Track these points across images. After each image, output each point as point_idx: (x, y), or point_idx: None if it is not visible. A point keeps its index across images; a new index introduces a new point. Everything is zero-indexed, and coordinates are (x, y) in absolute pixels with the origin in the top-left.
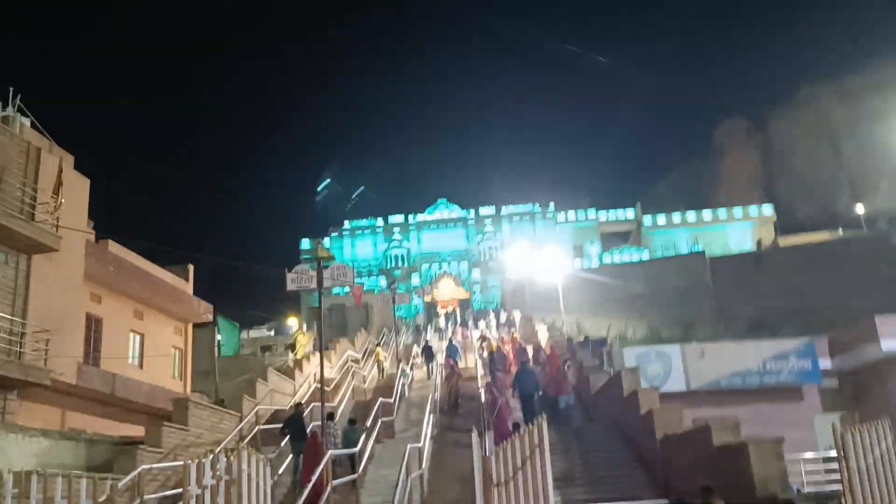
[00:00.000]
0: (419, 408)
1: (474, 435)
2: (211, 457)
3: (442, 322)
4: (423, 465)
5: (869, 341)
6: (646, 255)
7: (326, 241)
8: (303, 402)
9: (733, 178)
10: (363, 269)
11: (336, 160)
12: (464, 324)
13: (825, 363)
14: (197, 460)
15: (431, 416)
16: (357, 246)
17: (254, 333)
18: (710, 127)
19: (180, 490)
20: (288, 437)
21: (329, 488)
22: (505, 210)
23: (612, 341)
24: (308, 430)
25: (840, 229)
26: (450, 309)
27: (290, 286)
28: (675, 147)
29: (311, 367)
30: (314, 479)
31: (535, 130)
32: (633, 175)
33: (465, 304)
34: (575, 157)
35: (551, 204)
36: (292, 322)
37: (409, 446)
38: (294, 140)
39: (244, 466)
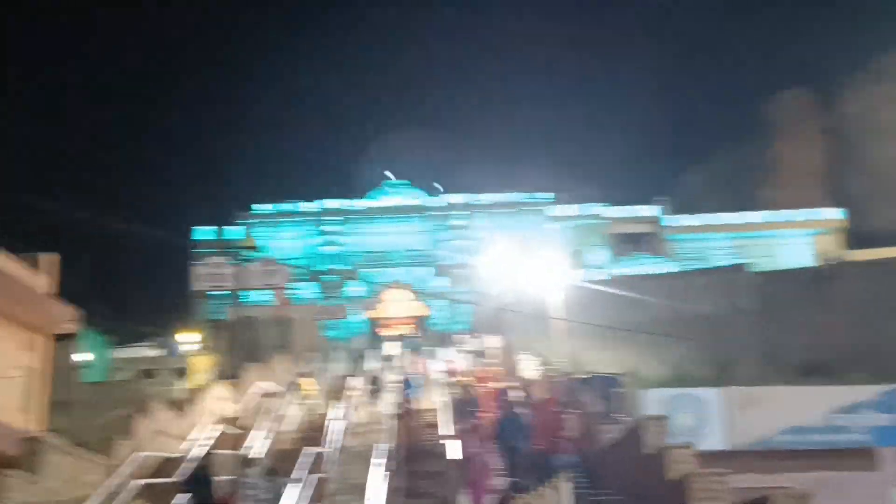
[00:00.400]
0: (360, 462)
1: None
2: None
3: (390, 348)
4: None
5: None
6: (668, 267)
7: (231, 231)
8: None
9: (789, 171)
10: None
11: (251, 128)
12: (419, 351)
13: None
14: None
15: (387, 474)
16: (276, 238)
17: (130, 353)
18: (760, 103)
19: None
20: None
21: None
22: (481, 199)
23: (626, 380)
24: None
25: None
26: (399, 332)
27: (198, 284)
28: (711, 129)
29: (212, 401)
30: None
31: (528, 100)
32: (656, 164)
33: (422, 325)
34: (579, 139)
35: (547, 194)
36: (185, 338)
37: None
38: (195, 100)
39: None
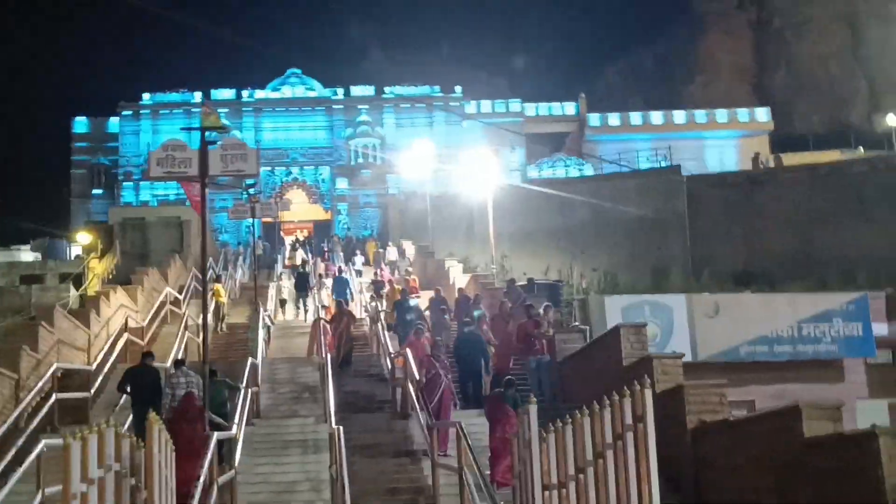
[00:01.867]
0: (290, 374)
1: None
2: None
3: (296, 254)
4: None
5: None
6: (589, 170)
7: (115, 123)
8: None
9: (715, 68)
10: None
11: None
12: (327, 257)
13: (880, 329)
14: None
15: (330, 380)
16: (162, 132)
17: (5, 257)
18: None
19: None
20: (130, 395)
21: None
22: (388, 92)
23: (573, 287)
24: (178, 389)
25: (861, 148)
26: (300, 235)
27: (155, 171)
28: (630, 20)
29: (113, 310)
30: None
31: None
32: (575, 60)
33: (322, 230)
34: (490, 30)
35: (457, 88)
36: (75, 240)
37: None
38: None
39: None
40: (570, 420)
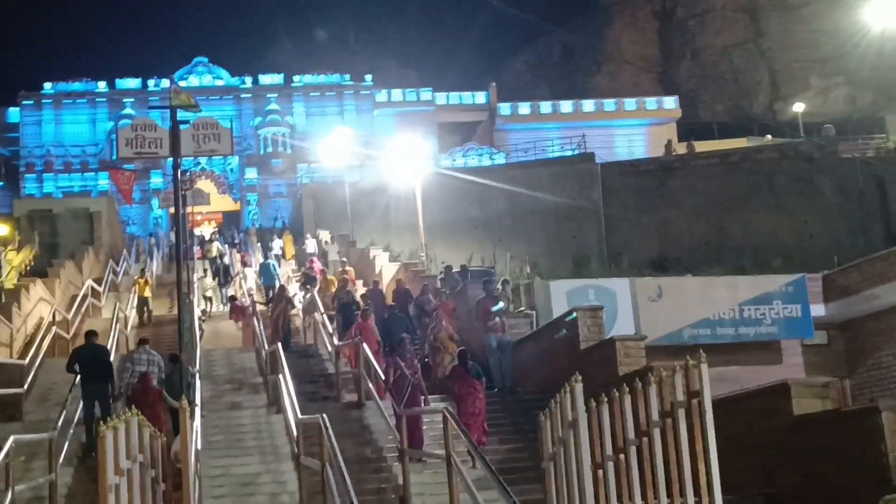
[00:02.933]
0: (226, 363)
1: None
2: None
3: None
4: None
5: (885, 282)
6: (501, 160)
7: (15, 112)
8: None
9: (621, 58)
10: (75, 157)
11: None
12: (240, 248)
13: (817, 310)
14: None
15: (285, 362)
16: (65, 122)
17: None
18: None
19: None
20: (79, 375)
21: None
22: (298, 80)
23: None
24: (138, 366)
25: (769, 136)
26: (209, 227)
27: (125, 151)
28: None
29: (33, 303)
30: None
31: None
32: (483, 50)
33: (231, 221)
34: (399, 20)
35: (368, 77)
36: None
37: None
38: None
39: None
40: (605, 398)
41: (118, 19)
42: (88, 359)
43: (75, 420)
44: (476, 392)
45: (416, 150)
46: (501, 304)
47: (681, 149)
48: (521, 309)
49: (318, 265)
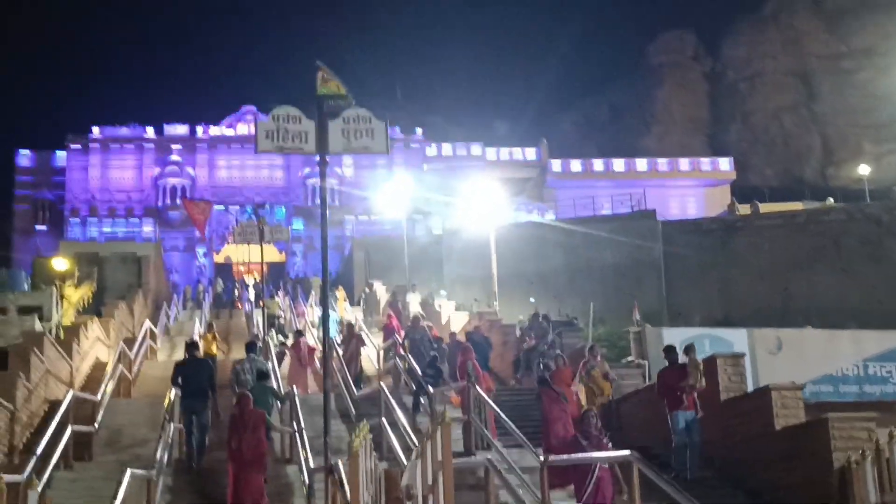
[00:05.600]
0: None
1: None
2: None
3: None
4: None
5: None
6: (551, 216)
7: (62, 156)
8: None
9: (670, 119)
10: (119, 203)
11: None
12: (291, 296)
13: None
14: None
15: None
16: (111, 167)
17: None
18: (641, 42)
19: None
20: (180, 389)
21: None
22: None
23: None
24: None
25: (831, 199)
26: (253, 277)
27: (264, 144)
28: (586, 71)
29: (90, 342)
30: None
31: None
32: (529, 109)
33: (276, 272)
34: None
35: (418, 130)
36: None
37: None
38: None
39: None
40: None
41: (167, 65)
42: (190, 373)
43: (164, 462)
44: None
45: (489, 201)
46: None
47: (742, 210)
48: (631, 359)
49: (395, 322)
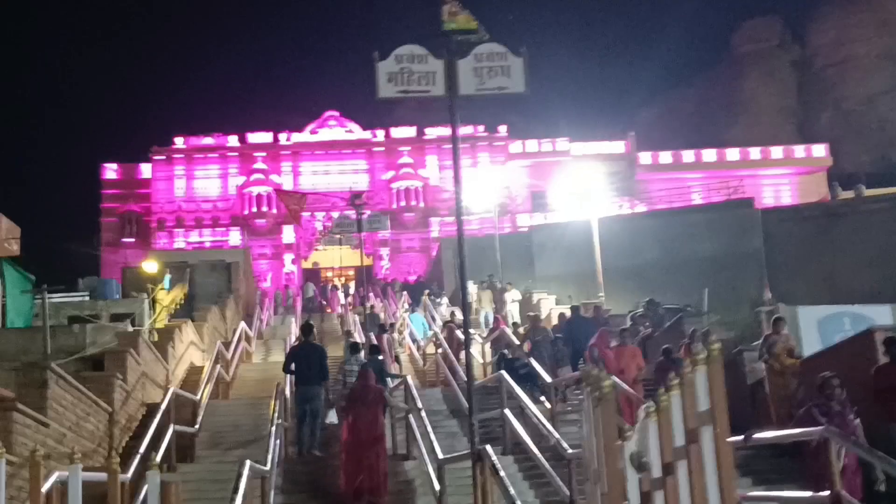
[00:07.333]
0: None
1: None
2: None
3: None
4: None
5: None
6: (642, 209)
7: (147, 168)
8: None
9: (757, 109)
10: (205, 213)
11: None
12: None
13: None
14: None
15: None
16: (196, 177)
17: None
18: (726, 31)
19: None
20: (295, 376)
21: None
22: (431, 133)
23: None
24: (350, 378)
25: None
26: (342, 282)
27: (386, 89)
28: (670, 61)
29: (185, 346)
30: None
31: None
32: (611, 102)
33: (360, 276)
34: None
35: (502, 128)
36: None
37: None
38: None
39: None
40: None
41: (249, 73)
42: (303, 358)
43: (276, 460)
44: None
45: (586, 194)
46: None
47: (845, 195)
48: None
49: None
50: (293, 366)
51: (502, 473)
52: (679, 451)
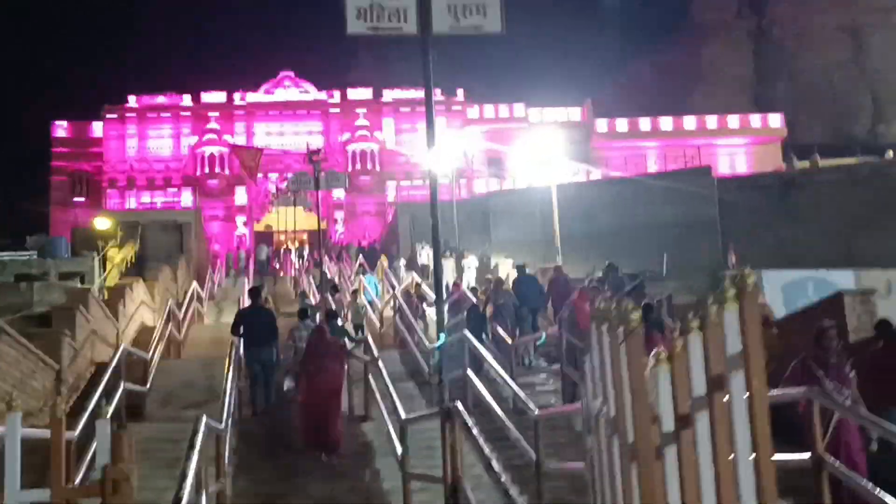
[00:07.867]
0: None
1: None
2: None
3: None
4: None
5: None
6: (597, 175)
7: (99, 127)
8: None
9: (715, 78)
10: (158, 173)
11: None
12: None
13: None
14: None
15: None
16: (148, 137)
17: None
18: (686, 1)
19: None
20: (242, 338)
21: None
22: (388, 95)
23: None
24: (301, 343)
25: (891, 152)
26: (294, 245)
27: (355, 25)
28: (627, 30)
29: (137, 304)
30: None
31: None
32: (571, 71)
33: (314, 240)
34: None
35: (459, 91)
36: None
37: None
38: None
39: None
40: None
41: (203, 32)
42: (254, 321)
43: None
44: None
45: (546, 160)
46: None
47: (801, 165)
48: None
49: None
50: (241, 329)
51: (475, 431)
52: (699, 402)
